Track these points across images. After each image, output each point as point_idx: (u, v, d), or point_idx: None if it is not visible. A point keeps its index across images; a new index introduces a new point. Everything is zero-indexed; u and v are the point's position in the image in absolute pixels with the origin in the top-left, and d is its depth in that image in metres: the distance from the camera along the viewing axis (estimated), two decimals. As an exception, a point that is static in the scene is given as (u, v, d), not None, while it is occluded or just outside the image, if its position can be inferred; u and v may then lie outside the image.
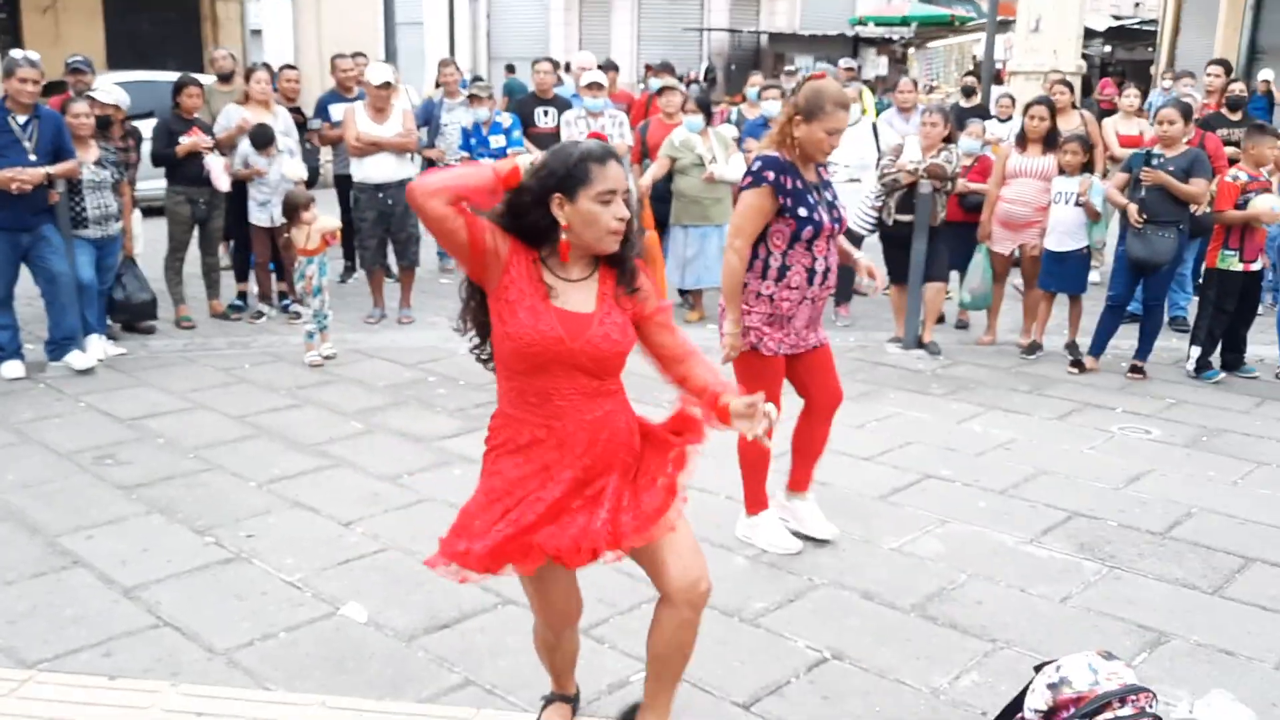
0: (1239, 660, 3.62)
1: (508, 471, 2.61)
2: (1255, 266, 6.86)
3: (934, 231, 7.28)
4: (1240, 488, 5.19)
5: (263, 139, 7.80)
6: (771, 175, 3.99)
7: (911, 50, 25.65)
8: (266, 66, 9.43)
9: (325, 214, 7.24)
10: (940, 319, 8.03)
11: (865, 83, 16.77)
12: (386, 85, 7.87)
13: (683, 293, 8.42)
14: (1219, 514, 4.84)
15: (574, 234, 2.51)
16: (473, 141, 8.17)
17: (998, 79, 15.33)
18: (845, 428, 5.88)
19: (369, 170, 7.92)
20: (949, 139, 7.29)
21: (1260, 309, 7.42)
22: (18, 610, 3.79)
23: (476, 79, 9.44)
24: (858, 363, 7.25)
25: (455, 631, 3.69)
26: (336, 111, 8.93)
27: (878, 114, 9.82)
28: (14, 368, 6.53)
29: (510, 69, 19.03)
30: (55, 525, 4.47)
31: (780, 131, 4.05)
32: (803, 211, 4.01)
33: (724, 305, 4.17)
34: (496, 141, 8.12)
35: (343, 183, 9.04)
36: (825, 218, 4.07)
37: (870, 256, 4.65)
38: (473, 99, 8.22)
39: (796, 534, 4.44)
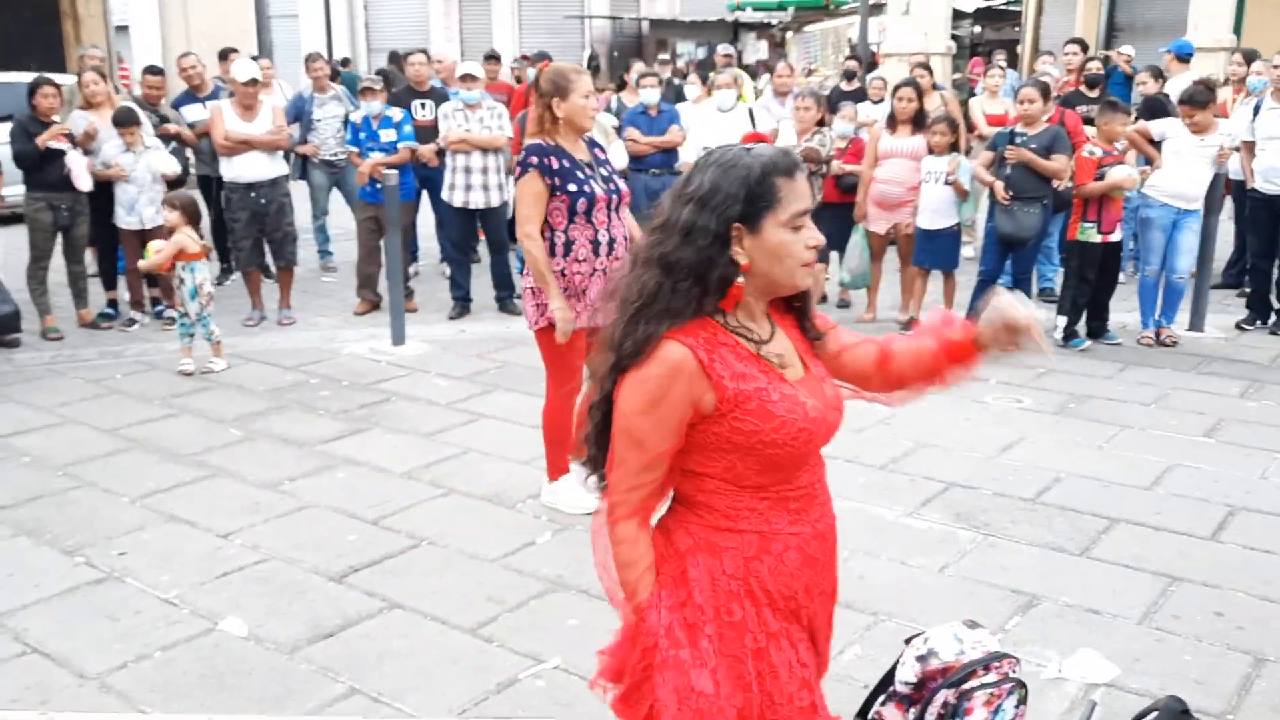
0: (1104, 618, 3.78)
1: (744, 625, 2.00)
2: (1114, 237, 7.14)
3: (812, 214, 7.39)
4: (1105, 451, 5.42)
5: (127, 118, 7.49)
6: (535, 159, 4.27)
7: (790, 34, 25.99)
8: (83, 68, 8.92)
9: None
10: (822, 299, 8.17)
11: (745, 67, 16.94)
12: (254, 81, 7.67)
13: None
14: (1085, 478, 5.04)
15: (753, 275, 1.91)
16: (362, 136, 7.98)
17: (873, 63, 15.65)
18: (731, 411, 5.96)
19: (240, 169, 7.71)
20: (822, 122, 7.42)
21: (1121, 277, 7.74)
22: None
23: (345, 60, 9.13)
24: (743, 346, 7.33)
25: (339, 640, 3.63)
26: (190, 113, 8.66)
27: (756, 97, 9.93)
28: None
29: (345, 63, 18.29)
30: (-88, 555, 4.26)
31: (539, 121, 4.32)
32: (572, 186, 4.28)
33: (540, 288, 4.35)
34: (387, 135, 7.95)
35: (205, 183, 8.81)
36: (598, 189, 4.34)
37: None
38: (365, 92, 8.00)
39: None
